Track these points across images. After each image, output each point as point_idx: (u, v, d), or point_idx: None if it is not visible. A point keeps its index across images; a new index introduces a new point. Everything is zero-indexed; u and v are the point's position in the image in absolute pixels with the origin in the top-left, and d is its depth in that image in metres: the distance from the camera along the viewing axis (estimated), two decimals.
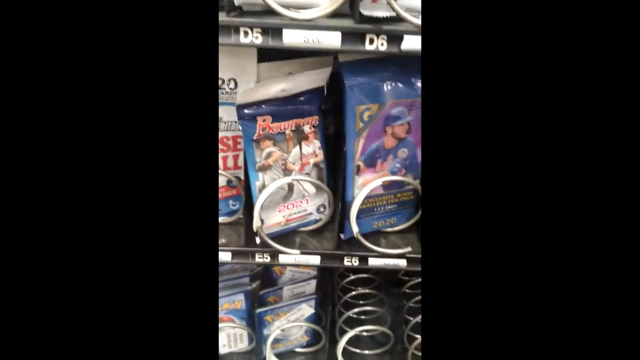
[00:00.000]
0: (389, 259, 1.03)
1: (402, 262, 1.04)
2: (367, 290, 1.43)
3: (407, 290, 1.46)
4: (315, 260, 1.04)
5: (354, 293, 1.41)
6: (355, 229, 1.00)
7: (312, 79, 0.91)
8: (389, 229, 1.09)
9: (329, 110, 1.14)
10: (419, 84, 0.90)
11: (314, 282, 1.31)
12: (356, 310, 1.36)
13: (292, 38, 0.76)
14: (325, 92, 0.98)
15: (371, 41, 0.77)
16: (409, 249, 1.02)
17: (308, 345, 1.35)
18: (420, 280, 1.45)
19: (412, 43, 0.76)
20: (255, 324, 1.23)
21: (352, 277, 1.48)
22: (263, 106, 0.90)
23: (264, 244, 1.01)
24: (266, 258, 1.04)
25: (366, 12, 0.76)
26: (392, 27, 0.75)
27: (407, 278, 1.50)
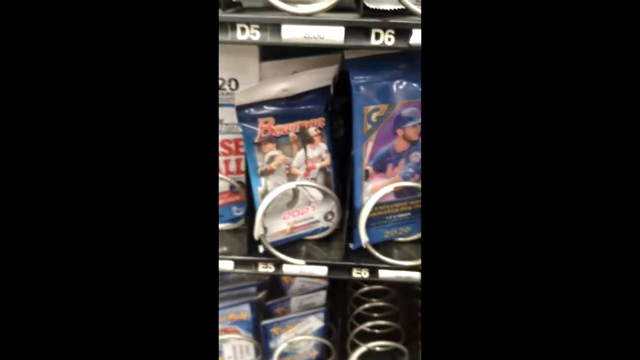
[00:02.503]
0: (401, 271, 0.96)
1: (416, 275, 0.97)
2: (380, 303, 1.36)
3: None
4: (322, 271, 0.98)
5: (367, 306, 1.34)
6: (364, 238, 0.94)
7: (317, 77, 0.86)
8: (402, 239, 1.02)
9: (338, 111, 1.08)
10: None
11: (323, 293, 1.25)
12: (369, 324, 1.29)
13: (291, 34, 0.71)
14: (333, 92, 0.92)
15: (377, 36, 0.71)
16: (420, 260, 0.95)
17: None
18: None
19: (419, 38, 0.69)
20: (261, 336, 1.18)
21: (366, 288, 1.41)
22: (264, 107, 0.85)
23: (267, 253, 0.96)
24: (270, 268, 0.98)
25: (372, 5, 0.70)
26: (399, 21, 0.69)
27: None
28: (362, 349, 1.18)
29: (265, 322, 1.15)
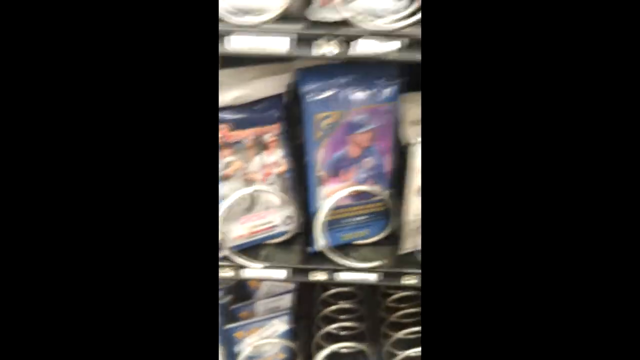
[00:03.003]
0: (358, 273, 0.99)
1: (372, 277, 1.00)
2: (346, 305, 1.38)
3: (390, 304, 1.41)
4: (281, 274, 1.00)
5: (332, 308, 1.36)
6: (320, 241, 0.96)
7: (270, 85, 0.88)
8: (361, 242, 1.05)
9: (298, 118, 1.11)
10: (383, 90, 0.86)
11: (288, 297, 1.26)
12: (334, 325, 1.31)
13: (237, 44, 0.73)
14: (293, 99, 0.95)
15: (321, 46, 0.73)
16: (378, 262, 0.97)
17: None
18: (403, 294, 1.40)
19: (364, 47, 0.72)
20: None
21: (333, 290, 1.43)
22: (220, 114, 0.87)
23: (227, 257, 0.98)
24: (230, 272, 1.00)
25: (316, 16, 0.73)
26: (341, 31, 0.72)
27: (391, 291, 1.44)
28: (326, 351, 1.20)
29: (228, 326, 1.16)
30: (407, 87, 0.91)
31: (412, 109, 0.96)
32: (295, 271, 1.00)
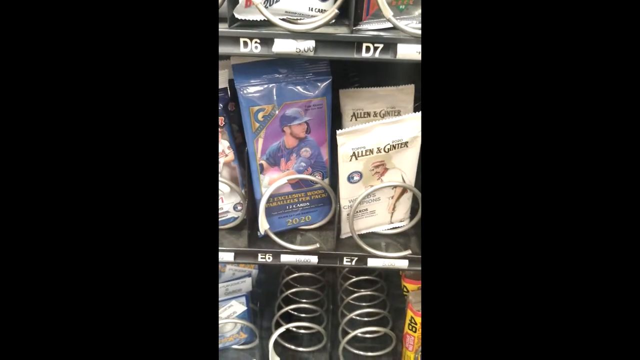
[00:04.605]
0: (300, 255, 1.06)
1: (314, 259, 1.07)
2: (307, 289, 1.46)
3: (349, 287, 1.48)
4: (229, 257, 1.07)
5: (293, 290, 1.44)
6: (265, 225, 1.03)
7: None
8: (306, 227, 1.12)
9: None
10: (316, 85, 0.93)
11: (249, 280, 1.34)
12: (293, 306, 1.38)
13: None
14: (234, 92, 1.01)
15: (245, 44, 0.80)
16: (316, 245, 1.04)
17: (246, 342, 1.38)
18: (357, 278, 1.47)
19: (283, 46, 0.78)
20: None
21: (296, 274, 1.51)
22: None
23: None
24: None
25: (240, 16, 0.79)
26: (262, 31, 0.78)
27: (352, 276, 1.52)
28: (282, 329, 1.27)
29: None
30: (338, 83, 0.98)
31: (349, 103, 1.03)
32: (242, 254, 1.07)
